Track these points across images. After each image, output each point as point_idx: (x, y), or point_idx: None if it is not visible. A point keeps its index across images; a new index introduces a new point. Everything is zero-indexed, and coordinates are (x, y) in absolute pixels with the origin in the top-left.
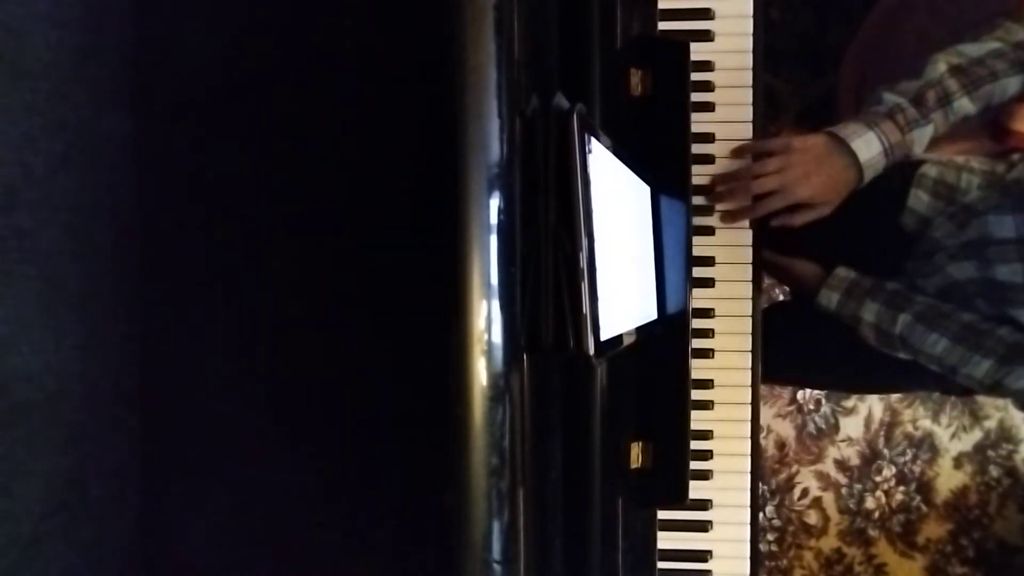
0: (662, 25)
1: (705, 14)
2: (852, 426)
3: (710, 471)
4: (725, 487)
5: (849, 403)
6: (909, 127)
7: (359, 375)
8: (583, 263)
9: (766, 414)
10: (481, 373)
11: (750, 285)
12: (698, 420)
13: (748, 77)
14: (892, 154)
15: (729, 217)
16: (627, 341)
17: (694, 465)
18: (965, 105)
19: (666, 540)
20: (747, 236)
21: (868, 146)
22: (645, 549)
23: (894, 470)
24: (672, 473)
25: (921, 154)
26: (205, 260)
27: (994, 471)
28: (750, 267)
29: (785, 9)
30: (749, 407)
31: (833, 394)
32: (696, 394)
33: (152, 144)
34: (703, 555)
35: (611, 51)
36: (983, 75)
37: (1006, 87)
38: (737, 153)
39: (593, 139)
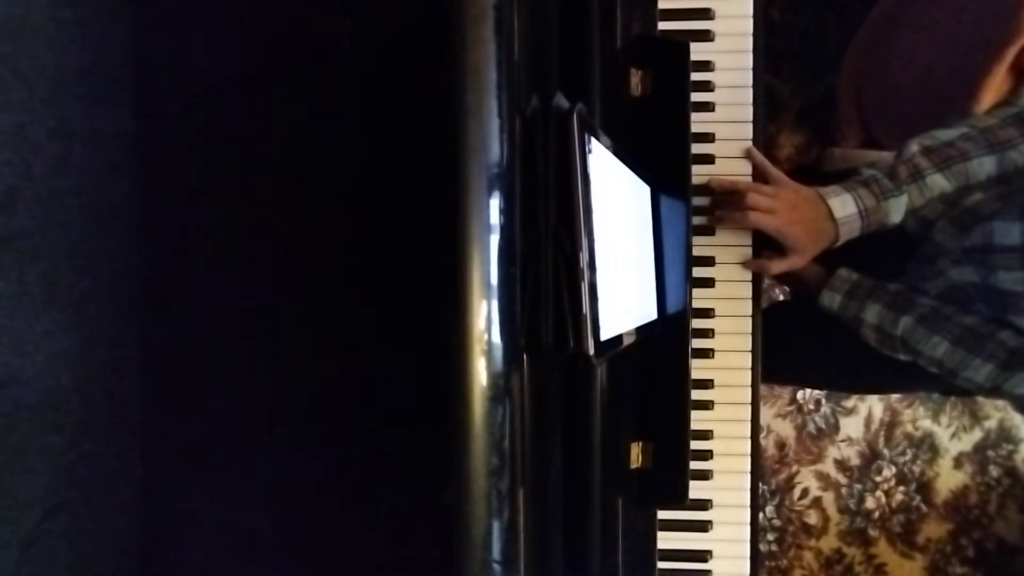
0: (662, 25)
1: (705, 14)
2: (852, 426)
3: (710, 471)
4: (725, 487)
5: (849, 403)
6: (883, 195)
7: (359, 375)
8: (583, 263)
9: (766, 414)
10: (481, 373)
11: (750, 285)
12: (698, 420)
13: (748, 77)
14: (867, 217)
15: (719, 220)
16: (627, 341)
17: (694, 465)
18: (939, 181)
19: (666, 540)
20: (747, 236)
21: (844, 205)
22: (645, 549)
23: (894, 470)
24: (672, 473)
25: (898, 222)
26: (204, 260)
27: (994, 471)
28: None
29: (785, 9)
30: (749, 407)
31: (833, 394)
32: (696, 394)
33: (152, 144)
34: (703, 555)
35: (611, 51)
36: (953, 155)
37: (980, 167)
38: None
39: (593, 139)
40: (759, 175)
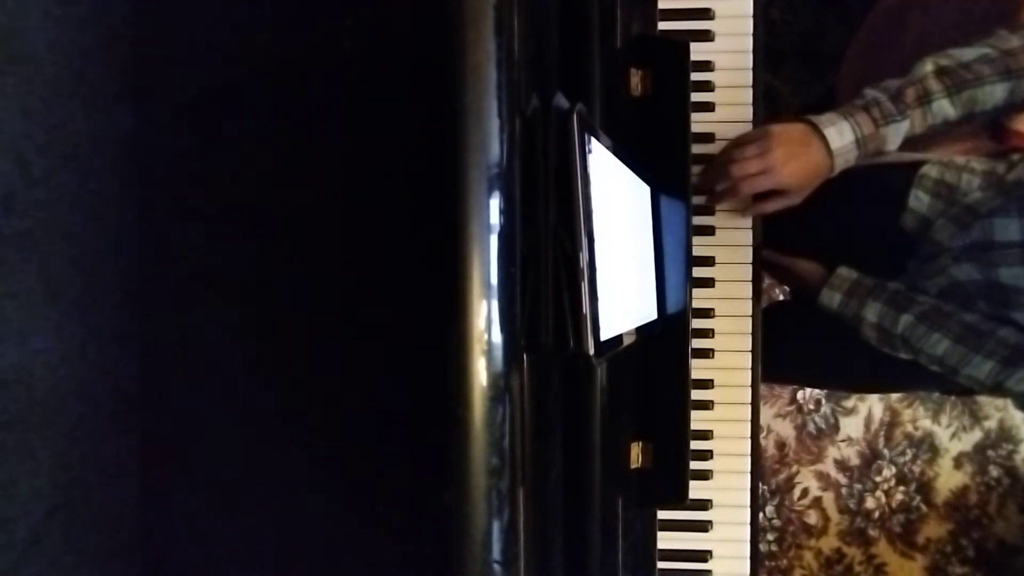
0: (662, 25)
1: (705, 14)
2: (852, 426)
3: (710, 471)
4: (725, 487)
5: (849, 403)
6: (884, 121)
7: (359, 375)
8: (583, 263)
9: (766, 414)
10: (481, 373)
11: (750, 285)
12: (698, 420)
13: (748, 77)
14: (864, 146)
15: (717, 199)
16: (627, 341)
17: (694, 465)
18: (945, 107)
19: (666, 540)
20: (747, 236)
21: (840, 135)
22: (645, 549)
23: (894, 470)
24: (672, 473)
25: (894, 151)
26: (205, 260)
27: (994, 471)
28: (750, 267)
29: (785, 9)
30: (749, 407)
31: (833, 394)
32: (696, 394)
33: (152, 144)
34: (703, 555)
35: (611, 51)
36: (968, 78)
37: (991, 94)
38: (723, 151)
39: (593, 139)
40: (742, 142)
